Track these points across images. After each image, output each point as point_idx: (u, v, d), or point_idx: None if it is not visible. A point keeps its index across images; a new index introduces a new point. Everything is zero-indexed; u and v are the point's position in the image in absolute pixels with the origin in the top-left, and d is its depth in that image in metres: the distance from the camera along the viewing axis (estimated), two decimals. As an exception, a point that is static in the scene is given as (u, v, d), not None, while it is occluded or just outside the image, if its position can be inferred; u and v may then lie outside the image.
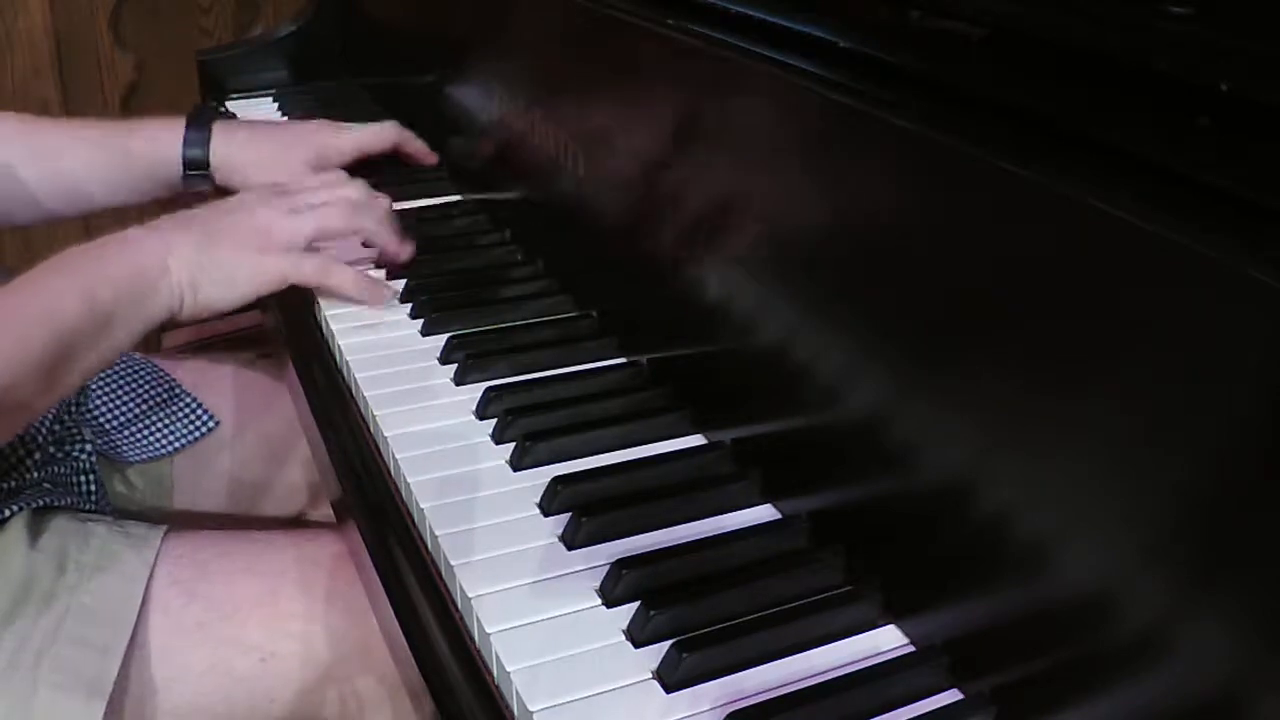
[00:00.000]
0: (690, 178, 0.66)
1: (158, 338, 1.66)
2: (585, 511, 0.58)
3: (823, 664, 0.50)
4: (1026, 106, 0.46)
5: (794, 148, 0.57)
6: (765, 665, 0.50)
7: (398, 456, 0.64)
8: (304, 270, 0.77)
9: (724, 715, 0.46)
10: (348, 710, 0.74)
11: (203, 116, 0.96)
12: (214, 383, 1.01)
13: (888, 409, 0.52)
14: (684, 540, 0.57)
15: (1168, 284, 0.38)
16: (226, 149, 0.95)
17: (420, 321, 0.79)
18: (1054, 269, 0.43)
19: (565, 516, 0.58)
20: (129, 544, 0.73)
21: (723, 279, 0.64)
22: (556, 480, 0.60)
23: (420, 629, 0.55)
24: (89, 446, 0.88)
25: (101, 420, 0.93)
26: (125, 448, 0.93)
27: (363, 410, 0.71)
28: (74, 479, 0.86)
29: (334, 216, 0.81)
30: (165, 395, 0.97)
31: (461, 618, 0.54)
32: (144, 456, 0.94)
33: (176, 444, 0.95)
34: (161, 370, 0.99)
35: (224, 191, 0.95)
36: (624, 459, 0.64)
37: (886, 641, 0.52)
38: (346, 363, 0.75)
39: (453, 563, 0.55)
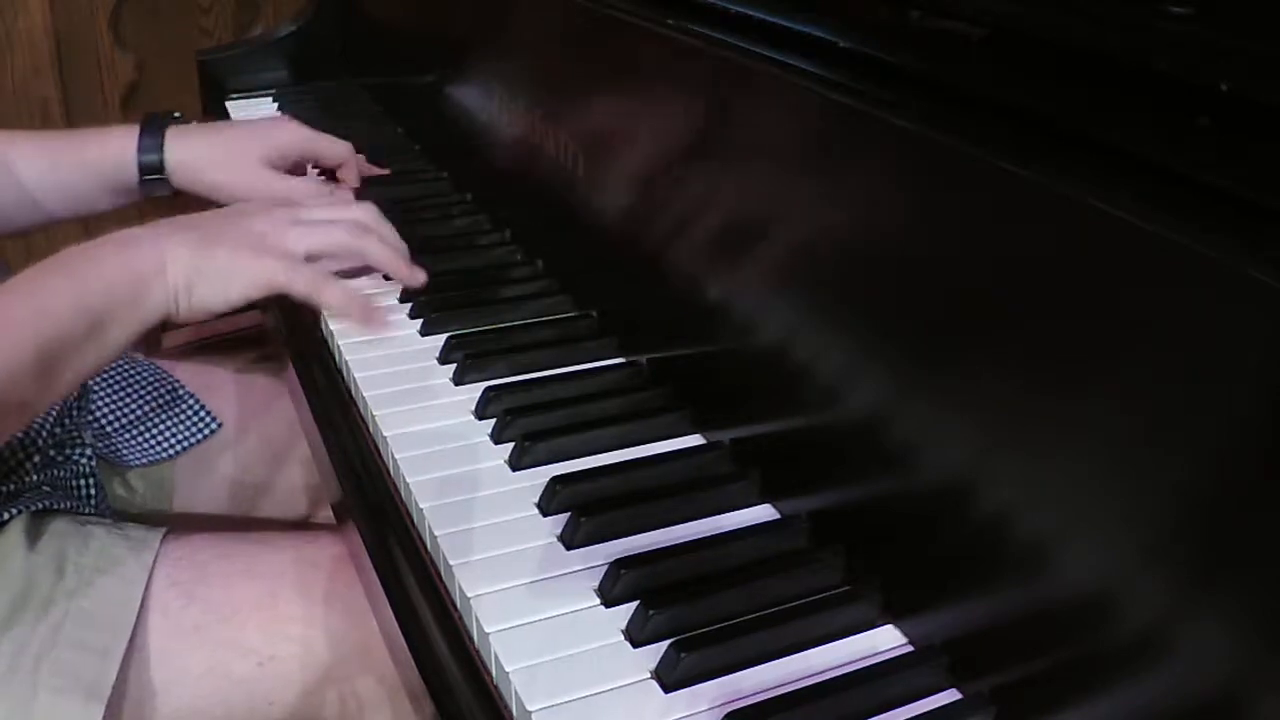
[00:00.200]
0: (690, 178, 0.66)
1: (158, 339, 1.66)
2: (584, 511, 0.58)
3: (821, 664, 0.50)
4: (1026, 106, 0.46)
5: (794, 148, 0.57)
6: (764, 665, 0.50)
7: (397, 456, 0.64)
8: (296, 280, 0.76)
9: (722, 715, 0.46)
10: (347, 711, 0.74)
11: (156, 122, 0.95)
12: (215, 384, 1.01)
13: (888, 409, 0.52)
14: (683, 540, 0.57)
15: (1168, 284, 0.38)
16: (181, 152, 0.93)
17: (420, 321, 0.79)
18: (1054, 269, 0.43)
19: (564, 516, 0.58)
20: (128, 547, 0.73)
21: (722, 279, 0.64)
22: (555, 480, 0.60)
23: (420, 629, 0.55)
24: (89, 450, 0.88)
25: (102, 423, 0.93)
26: (126, 451, 0.93)
27: (362, 410, 0.71)
28: (73, 482, 0.86)
29: (336, 235, 0.79)
30: (167, 397, 0.97)
31: (460, 617, 0.54)
32: (145, 459, 0.94)
33: (178, 446, 0.95)
34: (163, 372, 0.99)
35: (183, 196, 0.95)
36: (623, 459, 0.64)
37: (885, 641, 0.52)
38: (346, 363, 0.75)
39: (452, 562, 0.55)
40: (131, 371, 0.97)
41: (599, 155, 0.77)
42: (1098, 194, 0.40)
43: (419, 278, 0.82)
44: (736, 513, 0.60)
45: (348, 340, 0.77)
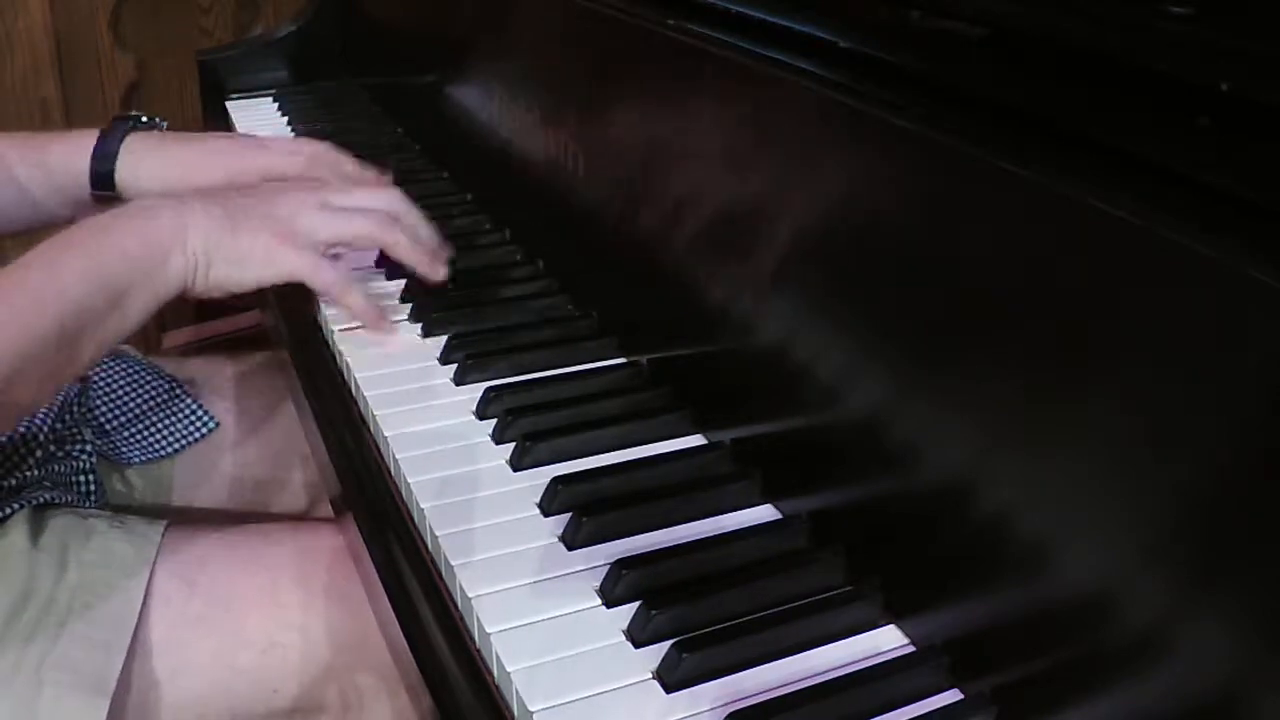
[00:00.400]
0: (690, 178, 0.66)
1: (158, 338, 1.67)
2: (585, 511, 0.58)
3: (823, 664, 0.50)
4: (1026, 106, 0.46)
5: (794, 148, 0.57)
6: (765, 665, 0.50)
7: (398, 456, 0.64)
8: (319, 276, 0.75)
9: (724, 715, 0.46)
10: (349, 702, 0.74)
11: (119, 129, 0.89)
12: (215, 384, 1.01)
13: (888, 409, 0.52)
14: (684, 540, 0.57)
15: (1168, 284, 0.38)
16: (132, 166, 0.87)
17: (420, 322, 0.79)
18: (1054, 269, 0.43)
19: (565, 516, 0.58)
20: (129, 541, 0.73)
21: (722, 279, 0.64)
22: (556, 480, 0.60)
23: (420, 628, 0.55)
24: (89, 447, 0.88)
25: (102, 421, 0.93)
26: (126, 448, 0.93)
27: (363, 410, 0.71)
28: (73, 478, 0.86)
29: (363, 225, 0.77)
30: (166, 396, 0.97)
31: (461, 617, 0.54)
32: (144, 457, 0.94)
33: (177, 445, 0.96)
34: (162, 371, 0.99)
35: None
36: (624, 459, 0.64)
37: (886, 641, 0.52)
38: (346, 363, 0.75)
39: (453, 563, 0.55)
40: (131, 370, 0.97)
41: (599, 155, 0.77)
42: (1098, 194, 0.40)
43: (440, 273, 0.80)
44: (737, 513, 0.60)
45: (348, 341, 0.77)
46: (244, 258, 0.73)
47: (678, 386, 0.69)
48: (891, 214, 0.51)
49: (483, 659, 0.51)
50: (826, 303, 0.56)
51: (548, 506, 0.60)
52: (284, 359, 0.84)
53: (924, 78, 0.52)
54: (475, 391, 0.70)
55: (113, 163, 0.87)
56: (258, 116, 1.28)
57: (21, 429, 0.82)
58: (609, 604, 0.53)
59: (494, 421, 0.67)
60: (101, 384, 0.95)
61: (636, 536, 0.58)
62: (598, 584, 0.54)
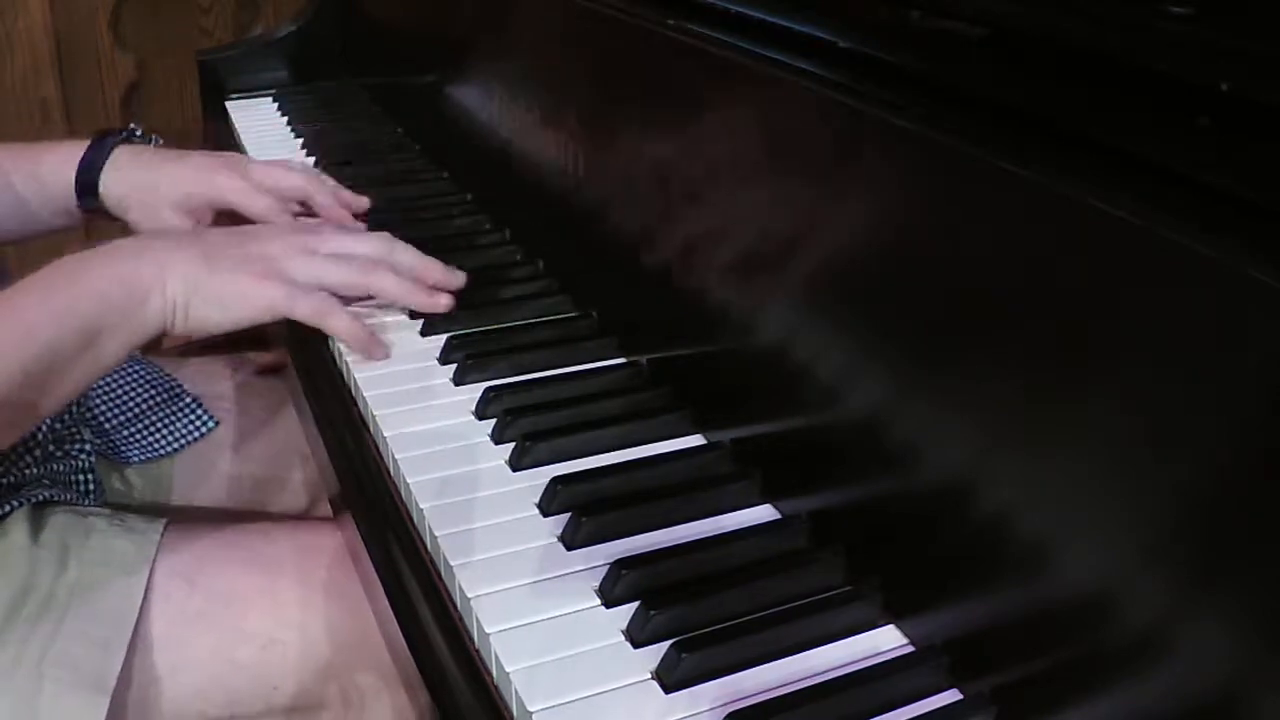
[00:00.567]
0: (690, 178, 0.66)
1: (159, 338, 1.66)
2: (585, 511, 0.58)
3: (822, 664, 0.50)
4: (1026, 106, 0.46)
5: (794, 148, 0.57)
6: (765, 665, 0.50)
7: (397, 457, 0.64)
8: (298, 307, 0.74)
9: (723, 715, 0.46)
10: (349, 699, 0.74)
11: (106, 142, 0.89)
12: (215, 383, 1.01)
13: (888, 409, 0.52)
14: (684, 540, 0.57)
15: (1168, 284, 0.38)
16: (113, 181, 0.88)
17: (420, 321, 0.79)
18: (1054, 269, 0.43)
19: (565, 517, 0.58)
20: (129, 538, 0.73)
21: (722, 279, 0.64)
22: (556, 480, 0.60)
23: (419, 628, 0.55)
24: (88, 446, 0.88)
25: (101, 420, 0.93)
26: (125, 448, 0.93)
27: (362, 410, 0.71)
28: (73, 477, 0.86)
29: (343, 273, 0.76)
30: (165, 395, 0.97)
31: (461, 618, 0.54)
32: (144, 457, 0.94)
33: (176, 444, 0.96)
34: (162, 370, 0.99)
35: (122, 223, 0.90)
36: (623, 459, 0.64)
37: (886, 641, 0.52)
38: (346, 363, 0.75)
39: (452, 563, 0.55)
40: (130, 370, 0.97)
41: (599, 155, 0.77)
42: (1098, 194, 0.40)
43: (441, 303, 0.79)
44: (737, 513, 0.60)
45: (348, 340, 0.77)
46: (224, 298, 0.73)
47: (678, 386, 0.69)
48: (891, 214, 0.51)
49: (482, 659, 0.51)
50: (826, 303, 0.56)
51: (547, 506, 0.60)
52: (284, 358, 0.84)
53: (924, 78, 0.52)
54: (475, 391, 0.70)
55: (97, 174, 0.88)
56: (258, 116, 1.28)
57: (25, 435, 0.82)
58: (608, 604, 0.53)
59: (493, 421, 0.67)
60: (101, 383, 0.95)
61: (636, 536, 0.57)
62: (597, 584, 0.54)
